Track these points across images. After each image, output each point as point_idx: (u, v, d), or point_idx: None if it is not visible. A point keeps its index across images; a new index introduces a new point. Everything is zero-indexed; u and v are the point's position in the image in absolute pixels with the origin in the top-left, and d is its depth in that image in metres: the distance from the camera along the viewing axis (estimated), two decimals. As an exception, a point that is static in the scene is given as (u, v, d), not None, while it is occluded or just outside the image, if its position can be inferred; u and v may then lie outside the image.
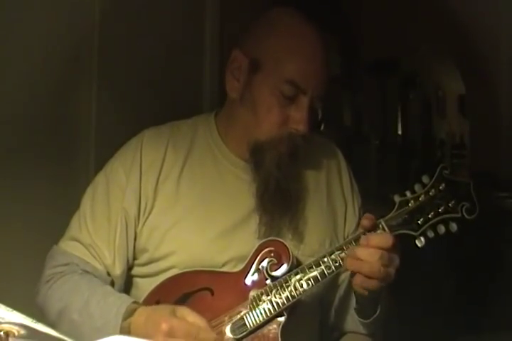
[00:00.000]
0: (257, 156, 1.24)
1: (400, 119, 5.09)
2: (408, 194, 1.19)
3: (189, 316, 1.07)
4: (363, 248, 1.13)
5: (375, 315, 1.22)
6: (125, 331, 1.09)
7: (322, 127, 3.12)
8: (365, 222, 1.16)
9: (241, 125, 1.27)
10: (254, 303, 1.15)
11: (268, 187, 1.23)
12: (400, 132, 5.09)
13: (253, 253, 1.20)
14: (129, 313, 1.11)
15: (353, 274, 1.16)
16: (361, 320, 1.24)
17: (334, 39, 3.58)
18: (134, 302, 1.15)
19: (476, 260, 2.94)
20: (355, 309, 1.25)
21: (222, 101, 1.35)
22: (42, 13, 1.57)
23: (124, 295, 1.19)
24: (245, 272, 1.19)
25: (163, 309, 1.10)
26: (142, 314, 1.10)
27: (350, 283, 1.20)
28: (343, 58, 4.05)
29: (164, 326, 1.04)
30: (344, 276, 1.31)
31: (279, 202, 1.24)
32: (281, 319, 1.15)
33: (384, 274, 1.11)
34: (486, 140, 4.19)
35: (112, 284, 1.25)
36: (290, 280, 1.15)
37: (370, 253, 1.11)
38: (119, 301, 1.15)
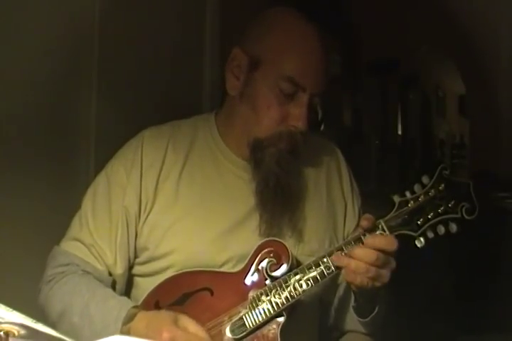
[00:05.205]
0: (257, 153, 1.24)
1: (399, 119, 5.09)
2: (408, 194, 1.19)
3: (191, 326, 1.07)
4: (361, 247, 1.13)
5: (373, 314, 1.22)
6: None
7: (322, 127, 3.12)
8: (364, 222, 1.16)
9: (241, 123, 1.27)
10: (254, 303, 1.15)
11: (268, 183, 1.23)
12: (400, 132, 5.09)
13: (253, 254, 1.20)
14: (129, 318, 1.11)
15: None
16: (359, 318, 1.24)
17: (334, 39, 3.58)
18: (134, 306, 1.14)
19: (476, 260, 2.94)
20: (353, 307, 1.24)
21: (223, 101, 1.35)
22: (42, 13, 1.57)
23: (124, 299, 1.19)
24: (245, 272, 1.19)
25: (165, 316, 1.09)
26: (142, 319, 1.10)
27: None
28: (344, 58, 4.04)
29: (166, 335, 1.04)
30: (344, 275, 1.31)
31: (279, 198, 1.24)
32: (281, 319, 1.15)
33: (376, 274, 1.11)
34: (486, 140, 4.20)
35: (114, 284, 1.25)
36: (289, 280, 1.15)
37: (366, 254, 1.11)
38: (118, 305, 1.14)
